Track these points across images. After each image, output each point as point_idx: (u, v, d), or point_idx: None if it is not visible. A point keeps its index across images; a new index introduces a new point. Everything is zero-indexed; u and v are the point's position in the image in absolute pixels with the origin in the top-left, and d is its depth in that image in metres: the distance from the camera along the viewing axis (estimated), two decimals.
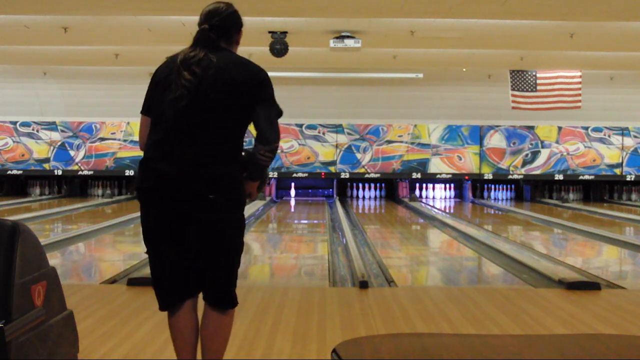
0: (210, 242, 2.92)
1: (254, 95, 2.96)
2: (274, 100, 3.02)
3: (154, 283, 3.05)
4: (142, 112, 3.04)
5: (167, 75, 2.95)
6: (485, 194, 18.07)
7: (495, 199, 17.97)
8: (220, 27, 3.05)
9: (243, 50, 12.64)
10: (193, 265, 2.97)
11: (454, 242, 9.77)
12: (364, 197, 17.90)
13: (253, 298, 5.19)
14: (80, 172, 17.33)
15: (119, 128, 17.34)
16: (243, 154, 2.99)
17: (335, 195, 17.54)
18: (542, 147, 17.36)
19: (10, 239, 2.28)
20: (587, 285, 5.75)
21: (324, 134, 17.30)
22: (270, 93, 3.02)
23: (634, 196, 17.65)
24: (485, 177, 17.39)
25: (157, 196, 2.90)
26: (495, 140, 17.37)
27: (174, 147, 2.86)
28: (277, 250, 9.01)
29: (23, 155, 17.36)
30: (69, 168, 17.32)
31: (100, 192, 17.65)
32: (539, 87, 14.16)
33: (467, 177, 17.51)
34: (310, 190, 18.35)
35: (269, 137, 2.92)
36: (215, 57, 2.97)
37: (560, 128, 17.30)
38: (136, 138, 17.30)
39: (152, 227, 2.97)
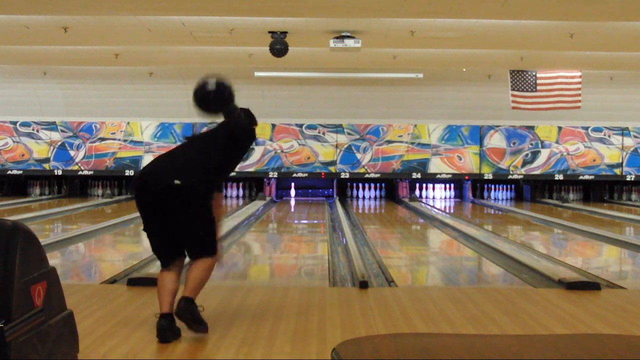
0: (183, 219, 4.09)
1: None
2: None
3: (153, 249, 4.24)
4: None
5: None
6: (485, 194, 18.07)
7: (495, 199, 17.97)
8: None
9: (243, 50, 12.65)
10: (176, 234, 4.12)
11: (454, 242, 9.77)
12: (364, 197, 17.90)
13: (253, 298, 5.20)
14: (80, 172, 17.33)
15: (118, 128, 17.34)
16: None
17: (335, 195, 17.54)
18: (542, 147, 17.36)
19: (10, 239, 2.28)
20: (587, 285, 5.75)
21: (324, 134, 17.30)
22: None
23: (634, 196, 17.65)
24: (485, 177, 17.39)
25: (144, 190, 4.13)
26: (495, 140, 17.37)
27: (163, 158, 4.32)
28: (277, 250, 9.01)
29: (23, 155, 17.36)
30: (69, 168, 17.32)
31: (100, 192, 17.65)
32: (539, 87, 14.16)
33: (467, 177, 17.51)
34: (310, 190, 18.35)
35: (220, 187, 4.40)
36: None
37: (560, 128, 17.30)
38: (136, 138, 17.35)
39: (142, 211, 4.16)
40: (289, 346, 3.93)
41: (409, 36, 10.62)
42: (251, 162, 16.96)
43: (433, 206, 15.95)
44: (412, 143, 17.32)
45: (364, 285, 5.64)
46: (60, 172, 17.31)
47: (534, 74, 14.13)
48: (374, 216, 14.48)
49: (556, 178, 17.39)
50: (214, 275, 5.68)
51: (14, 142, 17.38)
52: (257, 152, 16.95)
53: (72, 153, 17.33)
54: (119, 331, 4.21)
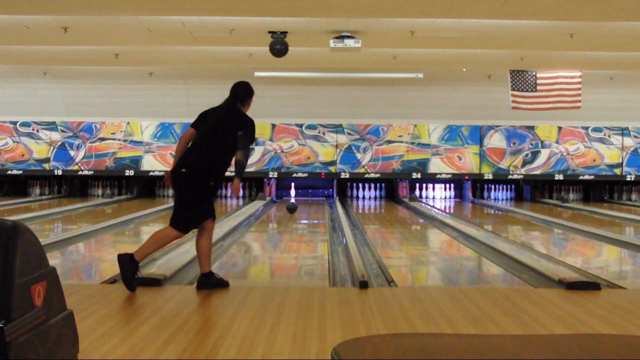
0: None
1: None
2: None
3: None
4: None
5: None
6: (485, 194, 18.07)
7: (495, 199, 17.97)
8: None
9: (243, 50, 12.63)
10: None
11: (454, 242, 9.77)
12: (364, 197, 17.90)
13: (253, 298, 5.20)
14: (80, 172, 17.34)
15: (118, 128, 17.34)
16: None
17: (335, 195, 17.54)
18: (542, 147, 17.36)
19: (10, 239, 2.28)
20: (587, 285, 5.75)
21: (324, 134, 17.30)
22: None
23: (634, 196, 17.65)
24: (485, 177, 17.39)
25: None
26: (495, 140, 17.37)
27: None
28: (277, 250, 9.00)
29: (23, 155, 17.37)
30: (69, 168, 17.32)
31: (100, 192, 17.66)
32: (539, 87, 14.16)
33: (467, 177, 17.51)
34: (310, 190, 18.35)
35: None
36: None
37: (560, 128, 17.30)
38: (135, 138, 17.35)
39: None
40: (289, 346, 3.93)
41: (409, 36, 10.62)
42: (251, 162, 16.93)
43: (433, 206, 15.95)
44: (412, 143, 17.32)
45: (364, 285, 5.64)
46: (60, 172, 17.31)
47: (534, 74, 14.13)
48: (374, 216, 14.48)
49: (556, 178, 17.39)
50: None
51: (14, 142, 17.38)
52: (257, 152, 16.95)
53: (72, 153, 17.33)
54: (119, 331, 4.21)
